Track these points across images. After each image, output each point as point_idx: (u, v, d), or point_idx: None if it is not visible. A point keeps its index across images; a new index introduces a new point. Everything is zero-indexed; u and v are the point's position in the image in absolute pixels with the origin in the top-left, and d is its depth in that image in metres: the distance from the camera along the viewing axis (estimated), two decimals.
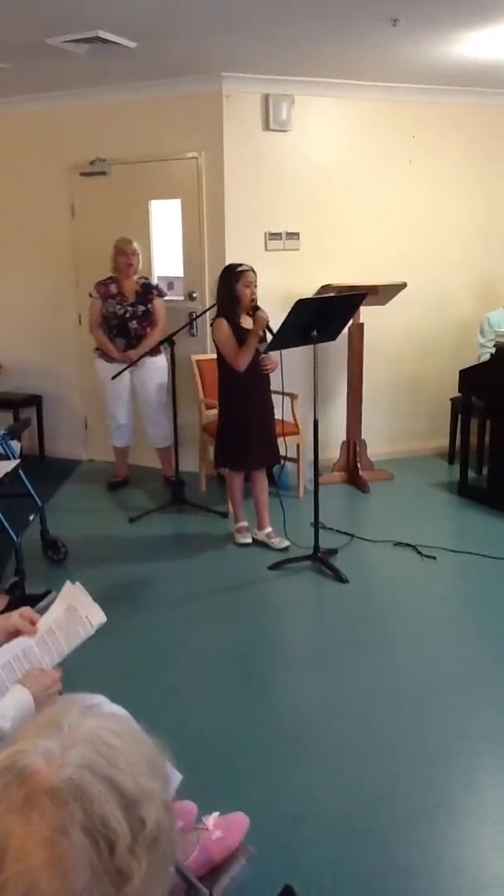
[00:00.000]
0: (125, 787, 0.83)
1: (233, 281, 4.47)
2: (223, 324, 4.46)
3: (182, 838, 2.12)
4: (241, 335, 4.44)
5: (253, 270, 4.49)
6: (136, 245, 5.50)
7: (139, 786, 0.85)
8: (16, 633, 1.82)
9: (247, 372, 4.46)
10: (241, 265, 4.51)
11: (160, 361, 5.60)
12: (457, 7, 4.00)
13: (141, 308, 5.54)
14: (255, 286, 4.50)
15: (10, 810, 0.80)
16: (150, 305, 5.55)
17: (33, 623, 1.84)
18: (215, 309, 4.61)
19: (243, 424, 4.57)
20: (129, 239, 5.51)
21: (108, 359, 5.54)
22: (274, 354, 4.46)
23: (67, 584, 1.91)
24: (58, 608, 1.88)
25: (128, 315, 5.53)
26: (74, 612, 1.88)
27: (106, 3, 3.90)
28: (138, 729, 0.96)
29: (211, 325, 4.61)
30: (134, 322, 5.54)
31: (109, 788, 0.82)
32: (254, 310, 4.47)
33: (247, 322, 4.49)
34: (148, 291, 5.58)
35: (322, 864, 2.29)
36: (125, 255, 5.46)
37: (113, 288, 5.54)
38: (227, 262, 5.50)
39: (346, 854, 2.33)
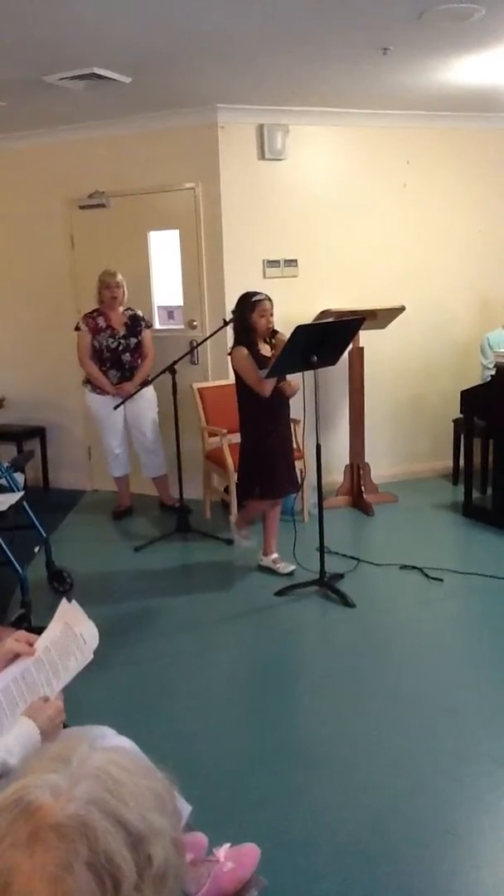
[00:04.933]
0: (132, 823, 0.83)
1: (247, 310, 4.47)
2: (243, 352, 4.44)
3: (193, 871, 2.10)
4: (259, 362, 4.44)
5: (269, 299, 4.48)
6: (120, 277, 5.51)
7: (146, 822, 0.84)
8: (14, 658, 1.80)
9: (270, 398, 4.45)
10: (256, 294, 4.49)
11: (151, 392, 5.65)
12: (445, 35, 4.06)
13: (133, 340, 5.58)
14: (272, 314, 4.49)
15: (15, 845, 0.80)
16: (140, 337, 5.59)
17: (30, 644, 1.82)
18: (221, 337, 4.61)
19: (269, 452, 4.56)
20: (114, 271, 5.52)
21: (100, 391, 5.56)
22: (295, 379, 4.47)
23: (63, 601, 1.90)
24: (54, 627, 1.87)
25: (121, 348, 5.56)
26: (70, 629, 1.87)
27: (100, 41, 3.97)
28: (147, 762, 0.96)
29: (229, 354, 4.61)
30: (127, 354, 5.57)
31: (116, 825, 0.82)
32: (272, 335, 4.49)
33: (265, 349, 4.50)
34: (136, 323, 5.60)
35: (334, 893, 2.26)
36: (109, 289, 5.48)
37: (101, 321, 5.55)
38: (226, 291, 5.54)
39: (358, 881, 2.30)
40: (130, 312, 5.63)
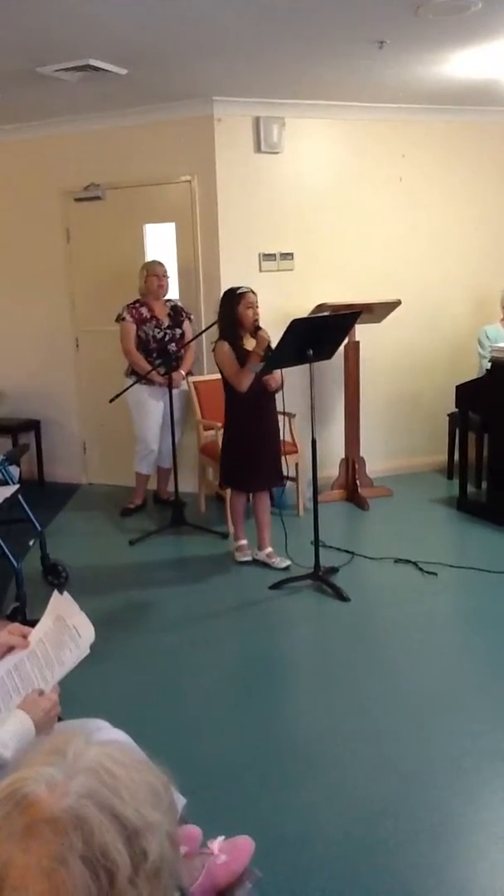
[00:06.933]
0: (127, 817, 0.83)
1: (234, 303, 4.50)
2: (224, 346, 4.48)
3: (187, 863, 2.10)
4: (243, 356, 4.46)
5: (253, 292, 4.52)
6: (166, 267, 5.56)
7: (141, 816, 0.84)
8: (8, 651, 1.81)
9: (252, 392, 4.46)
10: (240, 287, 4.54)
11: (184, 385, 5.68)
12: (441, 29, 4.05)
13: (178, 331, 5.56)
14: (257, 307, 4.52)
15: (10, 839, 0.80)
16: (183, 328, 5.59)
17: (24, 637, 1.82)
18: (216, 331, 4.62)
19: (249, 446, 4.57)
20: (160, 262, 5.56)
21: (148, 382, 5.45)
22: (277, 373, 4.48)
23: (55, 594, 1.90)
24: (47, 619, 1.87)
25: (167, 338, 5.53)
26: (63, 621, 1.87)
27: (96, 32, 3.95)
28: (142, 756, 0.96)
29: (212, 348, 4.63)
30: (173, 344, 5.51)
31: (111, 819, 0.82)
32: (255, 330, 4.50)
33: (249, 343, 4.51)
34: (179, 314, 5.61)
35: (328, 886, 2.27)
36: (159, 278, 5.50)
37: (145, 311, 5.52)
38: (222, 284, 5.54)
39: (352, 874, 2.31)
40: (171, 303, 5.64)
